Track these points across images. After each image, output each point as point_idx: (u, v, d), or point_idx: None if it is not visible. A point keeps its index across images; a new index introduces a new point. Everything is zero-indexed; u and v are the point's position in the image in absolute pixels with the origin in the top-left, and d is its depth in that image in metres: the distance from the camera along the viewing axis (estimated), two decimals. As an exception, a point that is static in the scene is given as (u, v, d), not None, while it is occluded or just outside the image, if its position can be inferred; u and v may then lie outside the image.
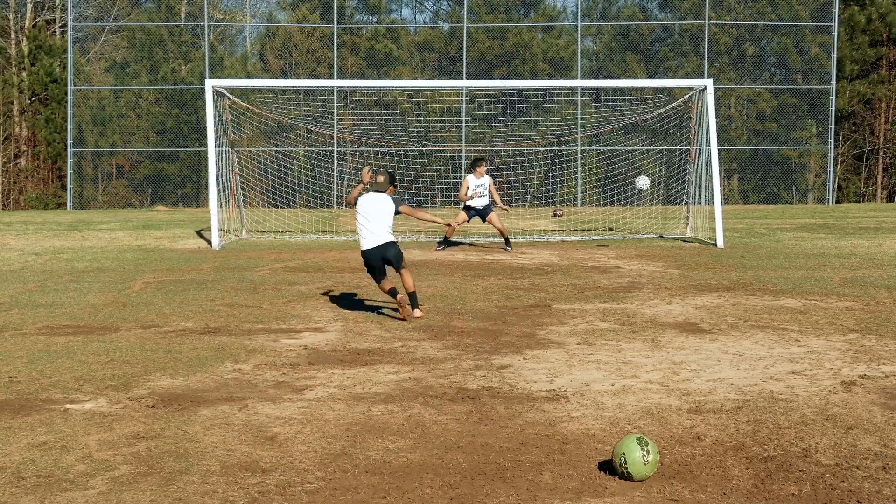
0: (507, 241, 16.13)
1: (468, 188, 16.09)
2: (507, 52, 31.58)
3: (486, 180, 16.12)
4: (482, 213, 16.15)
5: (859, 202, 33.08)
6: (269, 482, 4.51)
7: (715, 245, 16.29)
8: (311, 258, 14.44)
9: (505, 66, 31.47)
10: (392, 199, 9.23)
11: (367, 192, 9.31)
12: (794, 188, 31.93)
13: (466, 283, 11.46)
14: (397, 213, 9.26)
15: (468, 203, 16.11)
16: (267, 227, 19.83)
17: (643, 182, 17.16)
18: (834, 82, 30.05)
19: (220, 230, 16.93)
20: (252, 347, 7.63)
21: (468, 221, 16.29)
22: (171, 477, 4.56)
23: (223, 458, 4.83)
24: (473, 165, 16.17)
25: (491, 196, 16.17)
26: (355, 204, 9.28)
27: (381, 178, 9.29)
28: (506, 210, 16.90)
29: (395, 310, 9.24)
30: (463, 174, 20.41)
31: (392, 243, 9.17)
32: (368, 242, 9.15)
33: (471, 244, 17.18)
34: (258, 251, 15.77)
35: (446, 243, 16.18)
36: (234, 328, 8.50)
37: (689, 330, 8.32)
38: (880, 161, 34.70)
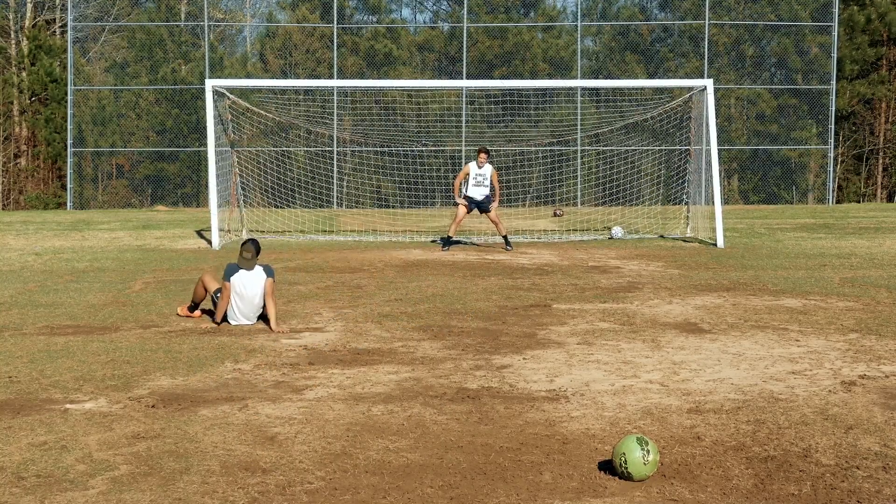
0: (507, 241, 16.10)
1: (467, 175, 16.02)
2: (507, 52, 31.56)
3: (488, 170, 15.96)
4: (481, 206, 16.04)
5: (859, 202, 33.08)
6: (269, 482, 4.51)
7: (715, 245, 16.29)
8: (311, 258, 14.44)
9: (505, 66, 31.45)
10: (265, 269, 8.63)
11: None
12: (794, 188, 31.92)
13: (466, 283, 11.45)
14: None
15: (467, 193, 16.03)
16: (267, 227, 19.83)
17: (617, 232, 18.08)
18: (834, 82, 30.04)
19: (220, 230, 16.93)
20: (252, 347, 7.63)
21: (468, 213, 16.20)
22: (171, 477, 4.56)
23: (223, 458, 4.83)
24: (478, 154, 16.03)
25: (492, 187, 16.07)
26: None
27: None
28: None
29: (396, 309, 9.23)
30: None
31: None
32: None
33: (471, 243, 17.19)
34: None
35: (449, 243, 16.16)
36: (235, 328, 8.50)
37: (689, 330, 8.32)
38: (880, 161, 34.71)
